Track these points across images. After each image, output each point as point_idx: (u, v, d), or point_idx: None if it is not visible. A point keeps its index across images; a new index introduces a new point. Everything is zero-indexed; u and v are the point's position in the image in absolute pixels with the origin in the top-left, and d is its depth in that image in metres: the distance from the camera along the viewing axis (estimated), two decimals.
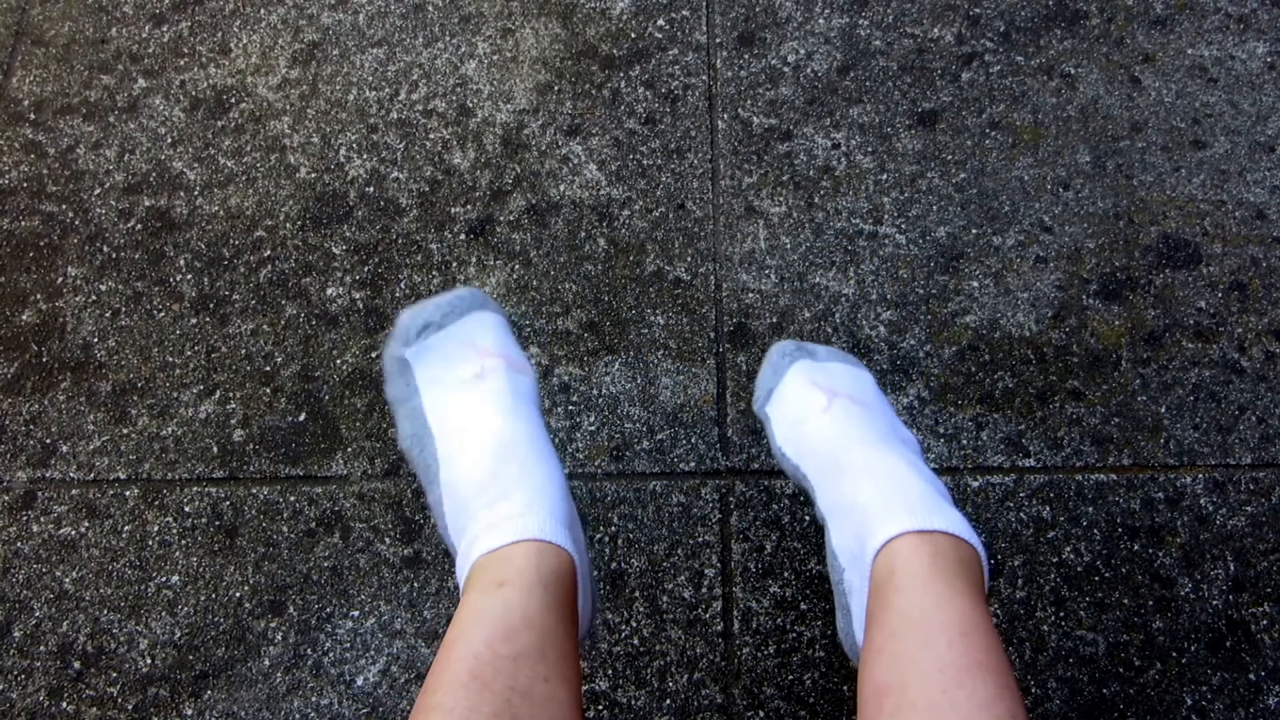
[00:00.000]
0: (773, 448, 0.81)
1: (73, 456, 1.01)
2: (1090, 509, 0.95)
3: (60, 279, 1.10)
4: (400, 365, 0.68)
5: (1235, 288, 1.04)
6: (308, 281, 1.08)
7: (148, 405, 1.03)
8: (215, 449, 1.01)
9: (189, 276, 1.09)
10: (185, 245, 1.11)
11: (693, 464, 0.98)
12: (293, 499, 0.98)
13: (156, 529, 0.98)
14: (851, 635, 0.68)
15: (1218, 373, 1.00)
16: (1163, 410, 0.99)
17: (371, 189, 1.13)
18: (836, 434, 0.74)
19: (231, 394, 1.03)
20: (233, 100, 1.19)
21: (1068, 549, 0.93)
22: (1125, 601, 0.91)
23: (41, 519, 0.99)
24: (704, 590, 0.93)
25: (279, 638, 0.93)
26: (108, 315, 1.08)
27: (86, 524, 0.98)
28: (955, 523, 0.64)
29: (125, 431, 1.02)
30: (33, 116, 1.19)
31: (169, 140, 1.17)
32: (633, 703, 0.89)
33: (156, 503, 0.99)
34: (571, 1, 1.22)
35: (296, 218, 1.12)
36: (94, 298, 1.09)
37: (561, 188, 1.12)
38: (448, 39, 1.21)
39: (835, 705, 0.88)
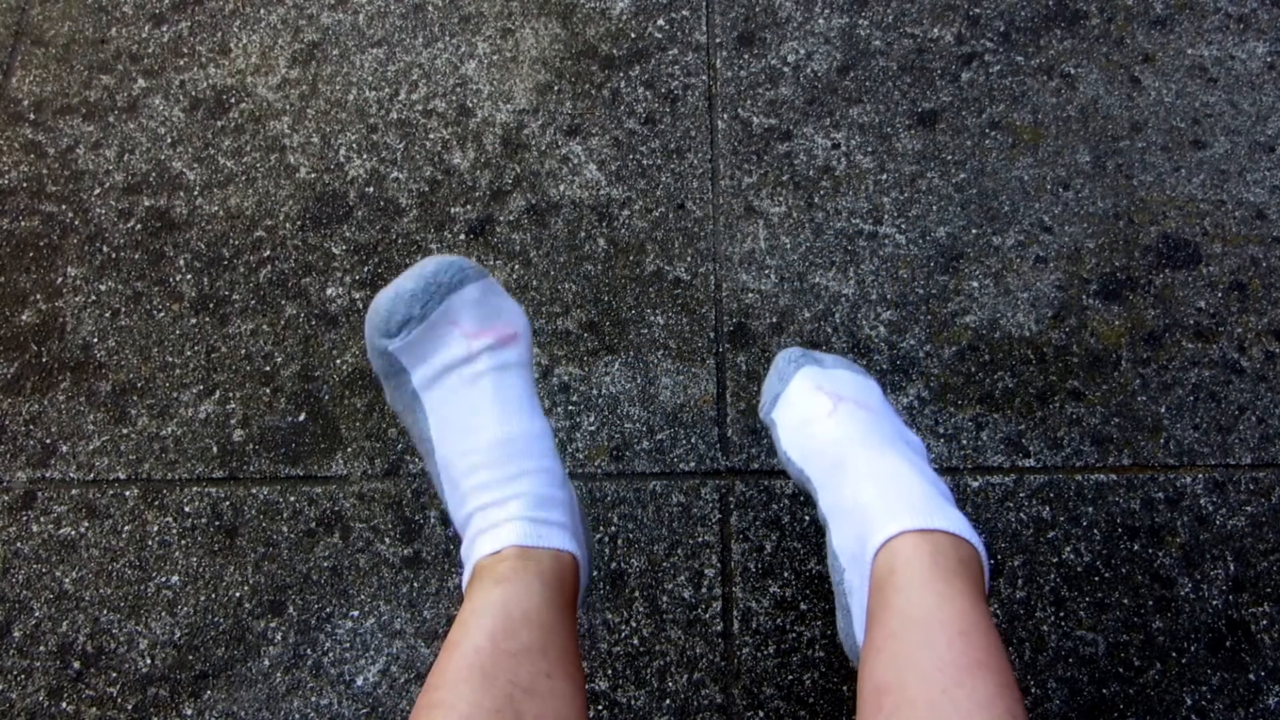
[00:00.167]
0: (778, 452, 0.81)
1: (72, 456, 1.01)
2: (1090, 509, 0.95)
3: (60, 279, 1.10)
4: (387, 356, 0.68)
5: (1235, 288, 1.04)
6: (308, 281, 1.08)
7: (148, 405, 1.03)
8: (215, 449, 1.01)
9: (189, 276, 1.09)
10: (185, 245, 1.11)
11: (693, 464, 0.98)
12: (293, 499, 0.98)
13: (156, 529, 0.98)
14: (852, 636, 0.68)
15: (1218, 373, 1.00)
16: (1163, 410, 0.99)
17: (371, 189, 1.13)
18: (840, 436, 0.74)
19: (231, 394, 1.03)
20: (233, 100, 1.19)
21: (1068, 549, 0.93)
22: (1125, 601, 0.91)
23: (41, 519, 0.99)
24: (704, 590, 0.93)
25: (279, 638, 0.93)
26: (107, 315, 1.08)
27: (86, 524, 0.98)
28: (956, 522, 0.64)
29: (125, 431, 1.02)
30: (32, 116, 1.19)
31: (169, 140, 1.17)
32: (632, 703, 0.89)
33: (156, 503, 0.99)
34: (571, 1, 1.22)
35: (296, 218, 1.12)
36: (94, 298, 1.09)
37: (561, 188, 1.12)
38: (448, 39, 1.21)
39: (835, 705, 0.88)
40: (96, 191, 1.14)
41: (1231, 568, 0.92)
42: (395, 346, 0.66)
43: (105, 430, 1.02)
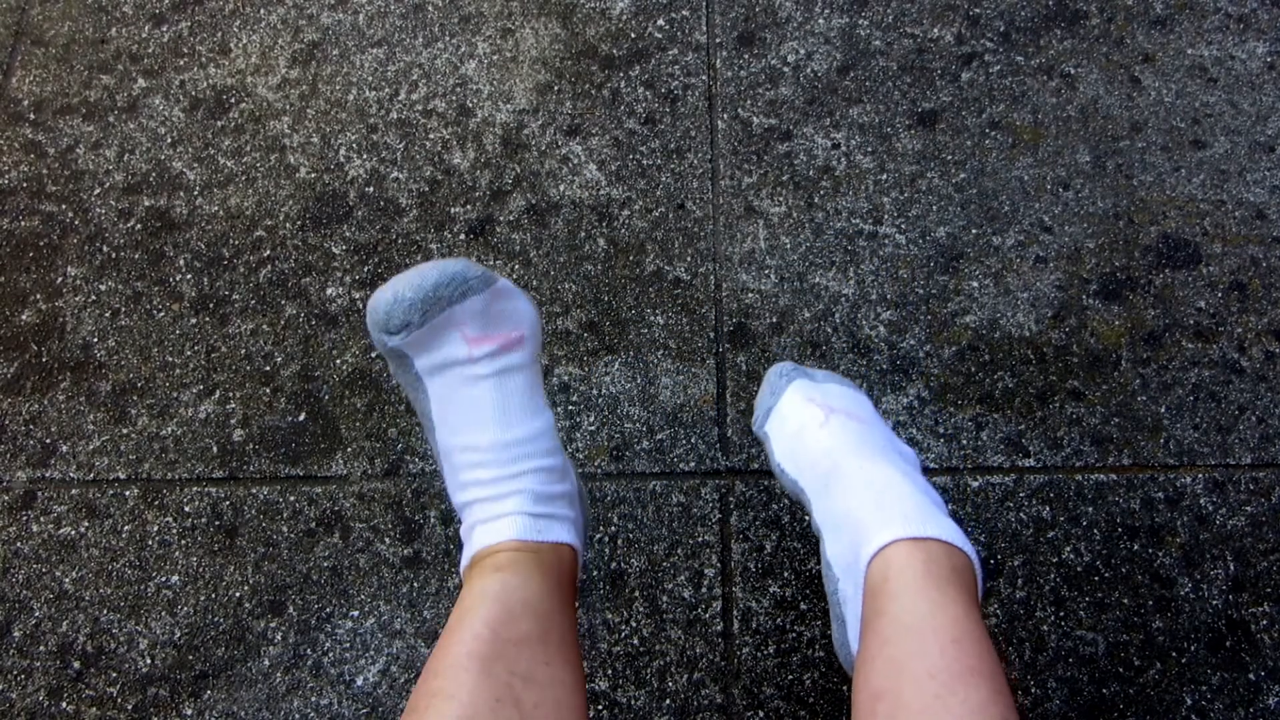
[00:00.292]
0: (772, 465, 0.81)
1: (72, 456, 1.01)
2: (1090, 509, 0.95)
3: (60, 279, 1.10)
4: (387, 348, 0.68)
5: (1235, 288, 1.04)
6: (308, 281, 1.08)
7: (147, 405, 1.03)
8: (215, 449, 1.01)
9: (189, 276, 1.09)
10: (185, 245, 1.11)
11: (693, 464, 0.98)
12: (293, 499, 0.98)
13: (156, 529, 0.98)
14: (847, 645, 0.69)
15: (1218, 373, 1.00)
16: (1163, 410, 0.99)
17: (371, 189, 1.13)
18: (833, 447, 0.74)
19: (231, 394, 1.03)
20: (233, 100, 1.19)
21: (1068, 549, 0.93)
22: (1125, 601, 0.91)
23: (41, 519, 0.99)
24: (704, 590, 0.93)
25: (279, 638, 0.93)
26: (107, 315, 1.08)
27: (86, 524, 0.98)
28: (949, 531, 0.64)
29: (125, 431, 1.02)
30: (32, 116, 1.19)
31: (169, 140, 1.17)
32: (632, 702, 0.89)
33: (156, 503, 0.99)
34: (571, 1, 1.22)
35: (296, 218, 1.12)
36: (94, 298, 1.09)
37: (561, 188, 1.12)
38: (448, 39, 1.21)
39: (835, 705, 0.88)
40: (96, 191, 1.14)
41: (1231, 568, 0.92)
42: (395, 343, 0.66)
43: (105, 430, 1.02)
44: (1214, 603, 0.91)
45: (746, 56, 1.18)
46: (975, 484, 0.96)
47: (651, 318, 1.05)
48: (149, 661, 0.92)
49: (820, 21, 1.20)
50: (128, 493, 0.99)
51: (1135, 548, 0.93)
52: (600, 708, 0.89)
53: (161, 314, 1.08)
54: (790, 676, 0.89)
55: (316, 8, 1.24)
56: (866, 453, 0.73)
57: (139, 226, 1.12)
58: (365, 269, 1.08)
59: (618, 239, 1.09)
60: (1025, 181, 1.10)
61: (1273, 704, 0.87)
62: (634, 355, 1.03)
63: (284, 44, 1.22)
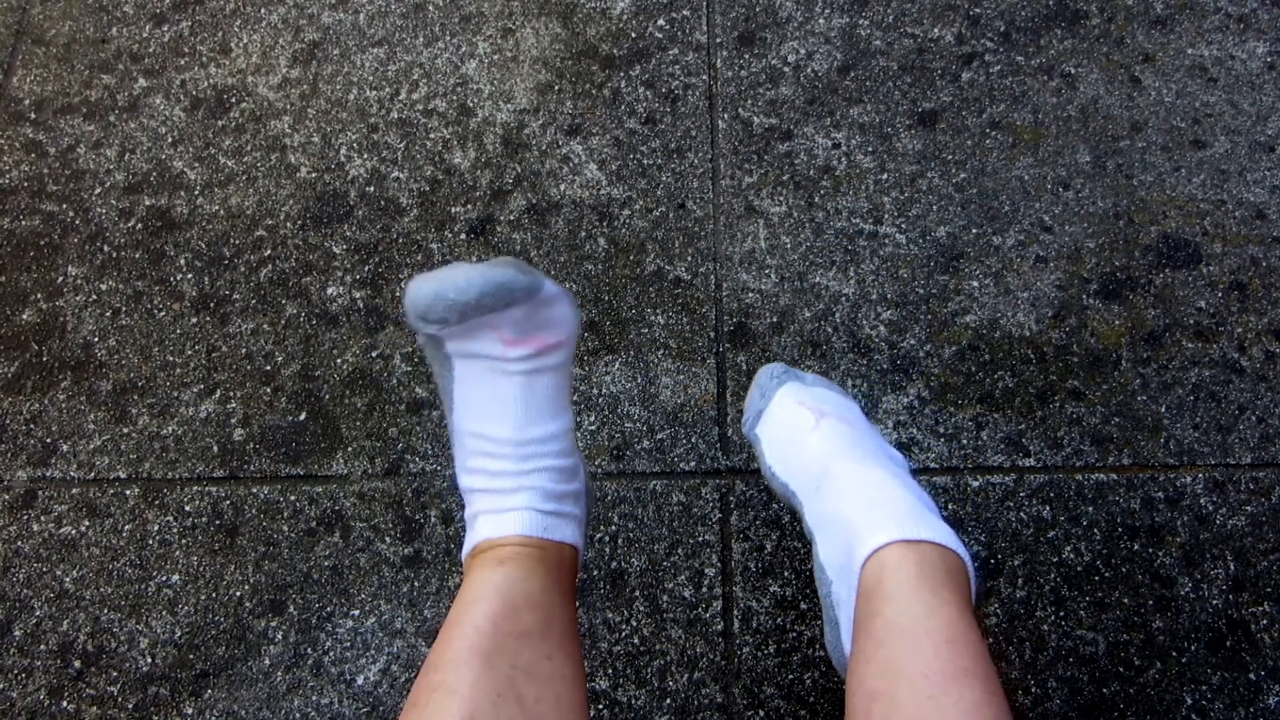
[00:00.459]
0: (762, 468, 0.81)
1: (73, 455, 1.01)
2: (1090, 509, 0.95)
3: (60, 278, 1.10)
4: (425, 335, 0.67)
5: (1235, 287, 1.04)
6: (308, 281, 1.08)
7: (148, 404, 1.03)
8: (215, 448, 1.01)
9: (189, 276, 1.09)
10: (185, 245, 1.11)
11: (693, 463, 0.98)
12: (293, 498, 0.98)
13: (157, 528, 0.98)
14: (840, 648, 0.69)
15: (1218, 372, 1.00)
16: (1163, 410, 0.99)
17: (372, 188, 1.13)
18: (825, 450, 0.75)
19: (232, 393, 1.03)
20: (233, 100, 1.19)
21: (1068, 549, 0.93)
22: (1125, 601, 0.91)
23: (42, 518, 0.99)
24: (704, 590, 0.93)
25: (279, 637, 0.93)
26: (108, 315, 1.08)
27: (87, 523, 0.98)
28: (941, 533, 0.64)
29: (125, 431, 1.02)
30: (33, 116, 1.19)
31: (169, 140, 1.17)
32: (633, 702, 0.89)
33: (157, 502, 0.99)
34: (572, 1, 1.22)
35: (297, 217, 1.12)
36: (94, 297, 1.09)
37: (562, 187, 1.12)
38: (448, 39, 1.21)
39: (835, 705, 0.88)
40: (97, 191, 1.15)
41: (1231, 567, 0.92)
42: (431, 330, 0.65)
43: (106, 429, 1.02)
44: (1214, 602, 0.91)
45: (747, 56, 1.18)
46: (975, 484, 0.96)
47: (652, 317, 1.05)
48: (149, 660, 0.93)
49: (820, 21, 1.20)
50: (128, 492, 0.99)
51: (1135, 547, 0.93)
52: (601, 707, 0.89)
53: (162, 313, 1.08)
54: (790, 676, 0.89)
55: (317, 7, 1.24)
56: (858, 455, 0.73)
57: (139, 226, 1.12)
58: (366, 268, 1.08)
59: (618, 238, 1.09)
60: (1025, 181, 1.10)
61: (1273, 704, 0.87)
62: (634, 355, 1.03)
63: (285, 43, 1.22)
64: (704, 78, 1.17)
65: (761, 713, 0.88)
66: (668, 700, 0.89)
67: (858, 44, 1.18)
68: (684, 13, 1.21)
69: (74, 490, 1.00)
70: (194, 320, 1.07)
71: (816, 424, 0.77)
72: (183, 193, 1.14)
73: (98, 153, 1.17)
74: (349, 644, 0.92)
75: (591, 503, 0.76)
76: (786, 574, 0.93)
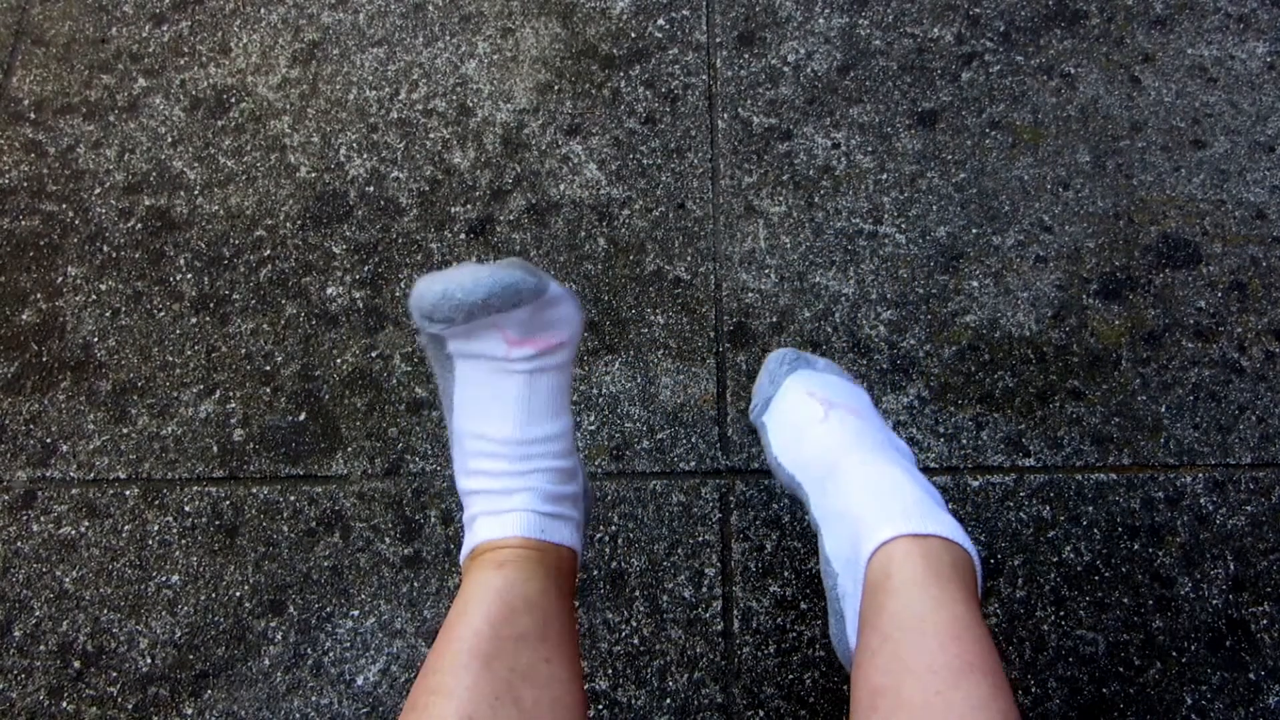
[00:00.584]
0: (768, 457, 0.81)
1: (73, 456, 1.01)
2: (1090, 508, 0.95)
3: (60, 278, 1.10)
4: (428, 334, 0.67)
5: (1235, 287, 1.04)
6: (308, 281, 1.08)
7: (148, 405, 1.03)
8: (215, 448, 1.01)
9: (189, 276, 1.09)
10: (185, 245, 1.11)
11: (693, 463, 0.98)
12: (293, 498, 0.98)
13: (156, 528, 0.98)
14: (845, 641, 0.69)
15: (1218, 372, 1.00)
16: (1163, 410, 0.99)
17: (371, 188, 1.13)
18: (833, 444, 0.74)
19: (231, 393, 1.03)
20: (233, 100, 1.19)
21: (1068, 548, 0.93)
22: (1125, 601, 0.91)
23: (41, 518, 0.99)
24: (704, 590, 0.93)
25: (279, 637, 0.93)
26: (108, 315, 1.08)
27: (86, 523, 0.98)
28: (949, 527, 0.64)
29: (125, 431, 1.02)
30: (33, 116, 1.19)
31: (169, 140, 1.17)
32: (633, 702, 0.89)
33: (156, 502, 0.99)
34: (571, 1, 1.22)
35: (296, 217, 1.12)
36: (94, 297, 1.09)
37: (561, 187, 1.12)
38: (448, 38, 1.21)
39: (835, 705, 0.88)
40: (97, 191, 1.14)
41: (1231, 567, 0.92)
42: (435, 330, 0.65)
43: (105, 430, 1.02)
44: (1214, 602, 0.91)
45: (746, 56, 1.18)
46: (975, 483, 0.96)
47: (651, 317, 1.05)
48: (149, 661, 0.92)
49: (820, 21, 1.20)
50: (128, 492, 0.99)
51: (1135, 547, 0.93)
52: (600, 707, 0.89)
53: (162, 313, 1.08)
54: (790, 676, 0.89)
55: (317, 7, 1.24)
56: (866, 448, 0.73)
57: (139, 226, 1.12)
58: (365, 268, 1.08)
59: (618, 238, 1.09)
60: (1025, 181, 1.10)
61: (1273, 704, 0.87)
62: (634, 355, 1.03)
63: (284, 43, 1.22)
64: (704, 77, 1.17)
65: (761, 713, 0.88)
66: (668, 700, 0.89)
67: (857, 44, 1.18)
68: (684, 12, 1.21)
69: (74, 491, 1.00)
70: (194, 320, 1.07)
71: (825, 415, 0.76)
72: (182, 193, 1.14)
73: (97, 153, 1.17)
74: (349, 644, 0.92)
75: (591, 503, 0.76)
76: (786, 574, 0.93)
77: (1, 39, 1.24)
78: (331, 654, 0.92)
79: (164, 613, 0.94)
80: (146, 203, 1.13)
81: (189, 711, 0.90)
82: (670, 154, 1.13)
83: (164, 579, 0.96)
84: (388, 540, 0.96)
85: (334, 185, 1.13)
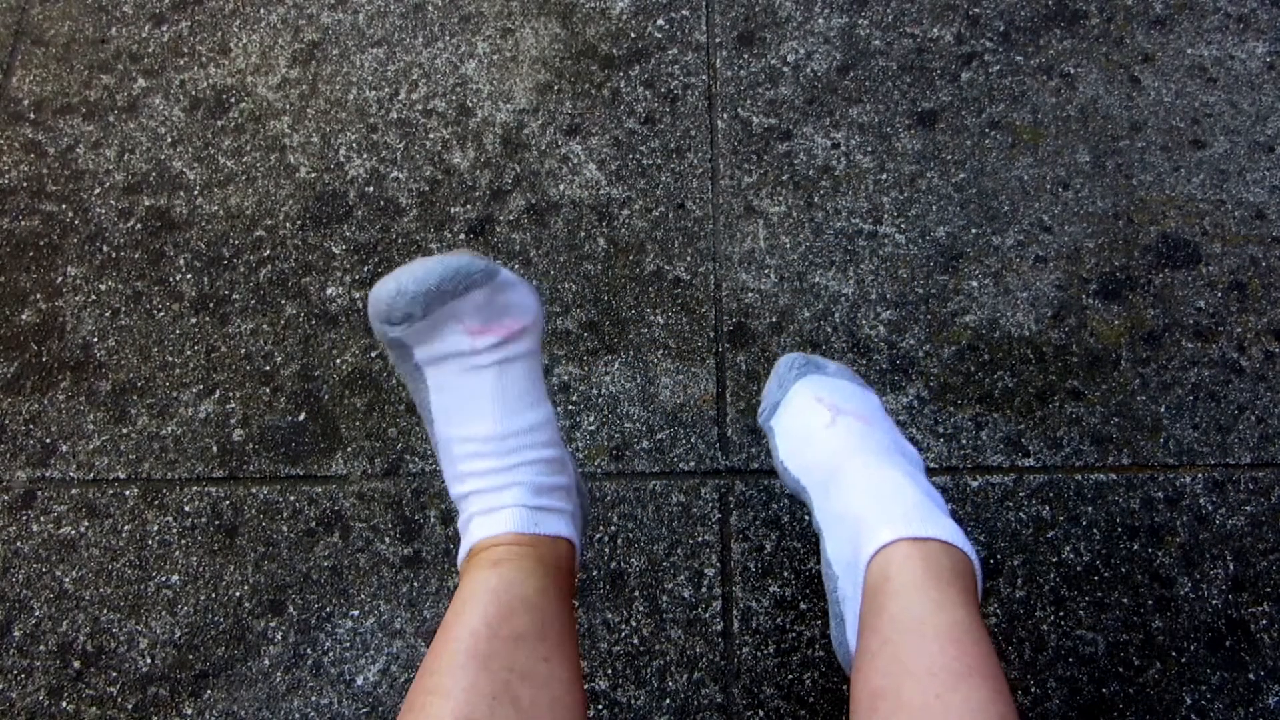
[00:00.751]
0: (774, 461, 0.81)
1: (72, 456, 1.01)
2: (1090, 509, 0.95)
3: (60, 278, 1.10)
4: (388, 338, 0.68)
5: (1235, 287, 1.04)
6: (308, 281, 1.08)
7: (147, 405, 1.03)
8: (215, 448, 1.01)
9: (189, 276, 1.09)
10: (185, 245, 1.11)
11: (692, 463, 0.98)
12: (292, 499, 0.98)
13: (156, 528, 0.98)
14: (845, 644, 0.69)
15: (1217, 372, 1.00)
16: (1162, 410, 0.99)
17: (371, 188, 1.13)
18: (838, 449, 0.74)
19: (231, 394, 1.03)
20: (233, 100, 1.19)
21: (1067, 548, 0.93)
22: (1125, 601, 0.91)
23: (41, 518, 0.99)
24: (704, 590, 0.93)
25: (279, 637, 0.93)
26: (107, 315, 1.08)
27: (86, 523, 0.98)
28: (949, 531, 0.64)
29: (125, 431, 1.02)
30: (33, 116, 1.19)
31: (169, 140, 1.17)
32: (632, 702, 0.89)
33: (156, 502, 0.99)
34: (571, 1, 1.22)
35: (296, 217, 1.12)
36: (94, 297, 1.09)
37: (561, 187, 1.12)
38: (447, 39, 1.21)
39: (835, 705, 0.88)
40: (96, 191, 1.14)
41: (1231, 567, 0.92)
42: (396, 334, 0.66)
43: (105, 430, 1.02)
44: (1214, 602, 0.91)
45: (746, 56, 1.18)
46: (975, 484, 0.96)
47: (651, 317, 1.05)
48: (149, 661, 0.92)
49: (820, 21, 1.20)
50: (128, 492, 0.99)
51: (1135, 547, 0.93)
52: (600, 707, 0.89)
53: (161, 314, 1.08)
54: (790, 676, 0.89)
55: (316, 7, 1.24)
56: (869, 453, 0.73)
57: (139, 226, 1.12)
58: (365, 269, 1.08)
59: (618, 239, 1.09)
60: (1025, 181, 1.10)
61: (1272, 704, 0.87)
62: (634, 355, 1.03)
63: (284, 44, 1.22)
64: (703, 78, 1.17)
65: (761, 713, 0.88)
66: (667, 700, 0.89)
67: (857, 44, 1.18)
68: (683, 12, 1.21)
69: (73, 491, 1.00)
70: (193, 320, 1.07)
71: (832, 421, 0.77)
72: (182, 193, 1.14)
73: (97, 153, 1.17)
74: (348, 644, 0.92)
75: (586, 500, 0.76)
76: (786, 574, 0.93)
77: (1, 39, 1.24)
78: (331, 654, 0.92)
79: (164, 613, 0.94)
80: (146, 203, 1.13)
81: (189, 711, 0.90)
82: (670, 154, 1.13)
83: (164, 579, 0.96)
84: (387, 540, 0.96)
85: (334, 185, 1.13)
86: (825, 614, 0.92)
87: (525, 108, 1.16)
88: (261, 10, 1.24)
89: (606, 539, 0.95)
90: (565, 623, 0.61)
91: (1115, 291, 1.04)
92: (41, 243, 1.12)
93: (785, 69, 1.17)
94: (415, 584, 0.94)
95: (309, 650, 0.92)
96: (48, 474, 1.01)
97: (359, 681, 0.91)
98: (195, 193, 1.14)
